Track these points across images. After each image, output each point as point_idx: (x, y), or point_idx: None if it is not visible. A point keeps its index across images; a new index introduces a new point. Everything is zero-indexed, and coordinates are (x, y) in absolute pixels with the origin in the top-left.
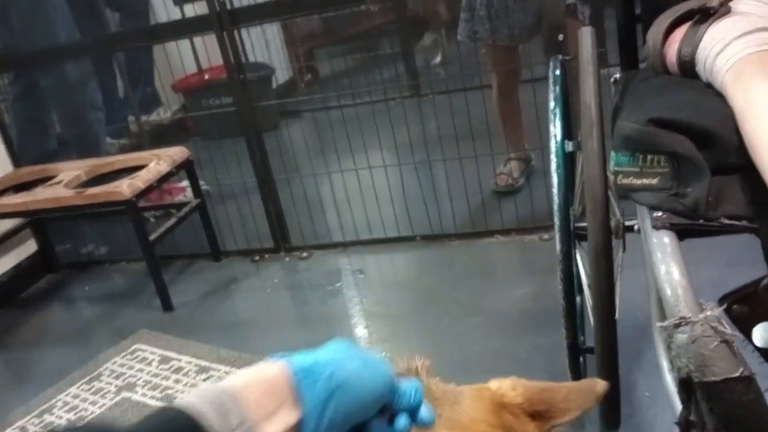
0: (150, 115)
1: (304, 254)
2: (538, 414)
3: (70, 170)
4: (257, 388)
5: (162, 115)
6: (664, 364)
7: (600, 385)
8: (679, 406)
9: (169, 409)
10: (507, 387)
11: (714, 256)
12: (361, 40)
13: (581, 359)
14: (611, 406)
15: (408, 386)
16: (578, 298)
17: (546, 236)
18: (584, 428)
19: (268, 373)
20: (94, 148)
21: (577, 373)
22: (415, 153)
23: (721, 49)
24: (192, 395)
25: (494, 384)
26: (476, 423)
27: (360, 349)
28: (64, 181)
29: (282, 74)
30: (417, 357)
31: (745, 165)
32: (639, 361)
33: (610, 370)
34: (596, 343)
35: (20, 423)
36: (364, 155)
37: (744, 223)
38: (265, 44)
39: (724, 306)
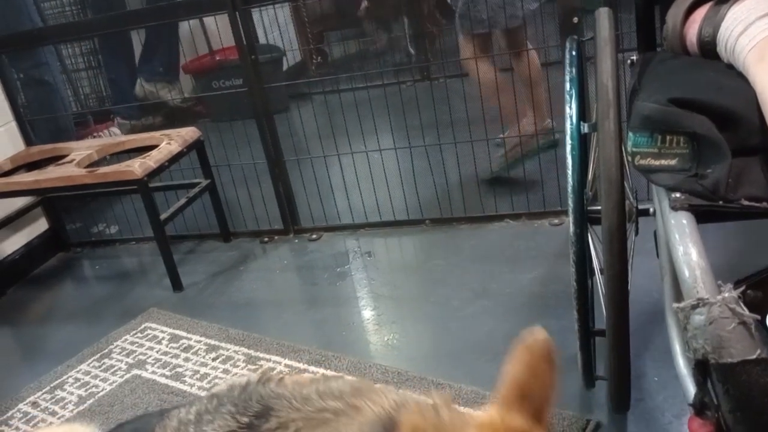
0: (159, 84)
1: (314, 236)
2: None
3: (82, 149)
4: None
5: (171, 94)
6: (677, 347)
7: (537, 340)
8: (691, 389)
9: None
10: (503, 415)
11: (728, 243)
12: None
13: (592, 342)
14: (621, 391)
15: None
16: (589, 282)
17: (556, 221)
18: (592, 412)
19: None
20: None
21: (588, 356)
22: (425, 136)
23: (743, 29)
24: None
25: (493, 413)
26: None
27: None
28: (76, 160)
29: (293, 56)
30: (437, 391)
31: (767, 146)
32: (648, 347)
33: (621, 352)
34: (608, 325)
35: (32, 398)
36: (374, 138)
37: (764, 204)
38: (276, 26)
39: (740, 290)
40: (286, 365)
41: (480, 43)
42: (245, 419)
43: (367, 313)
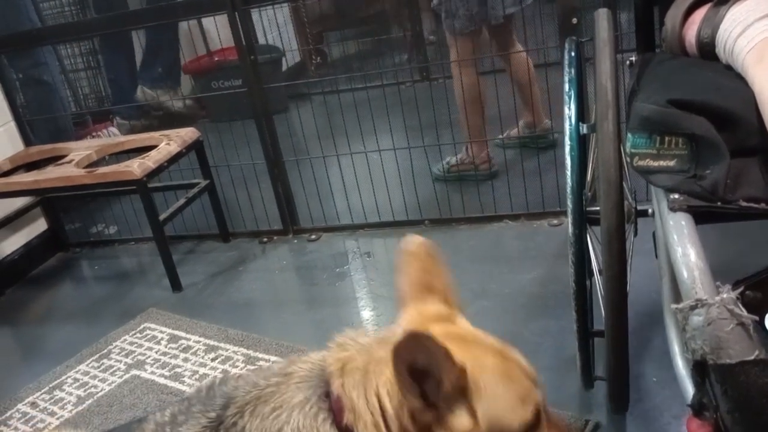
0: (160, 90)
1: (313, 236)
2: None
3: (81, 150)
4: None
5: (172, 98)
6: (676, 348)
7: (415, 243)
8: (690, 389)
9: None
10: (418, 309)
11: (726, 244)
12: (372, 24)
13: (591, 342)
14: (620, 391)
15: None
16: (588, 282)
17: (555, 222)
18: (591, 412)
19: None
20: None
21: (587, 356)
22: (424, 137)
23: (742, 31)
24: None
25: (408, 312)
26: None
27: None
28: (75, 161)
29: (292, 57)
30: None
31: (765, 147)
32: (647, 348)
33: (619, 353)
34: (606, 326)
35: (30, 398)
36: (373, 138)
37: (762, 206)
38: (275, 26)
39: (739, 291)
40: None
41: (464, 45)
42: (213, 414)
43: (366, 314)
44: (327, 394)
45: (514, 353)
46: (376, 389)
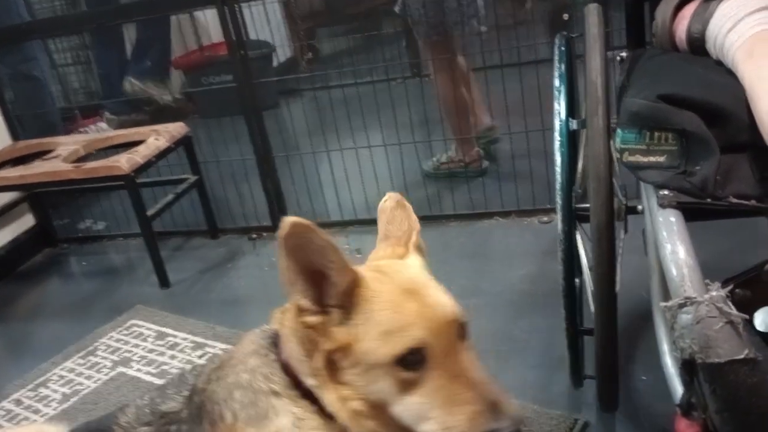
0: (148, 82)
1: None
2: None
3: (68, 144)
4: None
5: (160, 91)
6: (665, 346)
7: (389, 198)
8: (679, 388)
9: None
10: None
11: (716, 241)
12: (363, 19)
13: (580, 341)
14: (608, 390)
15: None
16: (577, 280)
17: (545, 219)
18: (580, 411)
19: None
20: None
21: (576, 355)
22: (415, 133)
23: (732, 26)
24: None
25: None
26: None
27: None
28: (62, 156)
29: (283, 52)
30: None
31: (755, 143)
32: (637, 346)
33: (609, 351)
34: (596, 324)
35: (15, 395)
36: (364, 134)
37: (753, 202)
38: (266, 21)
39: (728, 289)
40: None
41: (435, 49)
42: (186, 392)
43: None
44: (276, 342)
45: (426, 293)
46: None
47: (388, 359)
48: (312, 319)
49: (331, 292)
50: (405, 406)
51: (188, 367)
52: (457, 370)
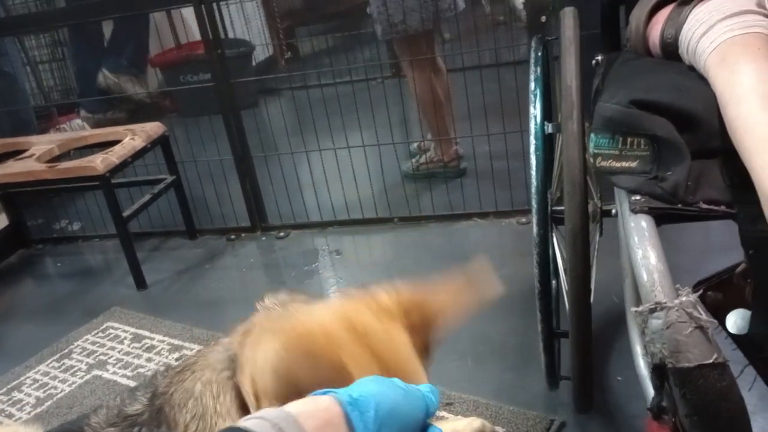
0: (122, 76)
1: (281, 234)
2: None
3: (42, 144)
4: (315, 416)
5: (135, 87)
6: (638, 349)
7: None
8: (651, 391)
9: (236, 429)
10: (380, 294)
11: (687, 244)
12: (343, 19)
13: (556, 343)
14: (584, 391)
15: (434, 398)
16: (554, 283)
17: (524, 220)
18: (556, 412)
19: (320, 404)
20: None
21: (552, 356)
22: (394, 134)
23: (705, 31)
24: (256, 416)
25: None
26: (308, 321)
27: (395, 380)
28: (36, 155)
29: (262, 51)
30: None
31: (726, 149)
32: (612, 347)
33: (584, 353)
34: (571, 326)
35: None
36: (343, 135)
37: (722, 208)
38: (244, 20)
39: (699, 292)
40: None
41: (414, 49)
42: (150, 394)
43: None
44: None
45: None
46: (254, 350)
47: None
48: None
49: None
50: None
51: (162, 368)
52: None
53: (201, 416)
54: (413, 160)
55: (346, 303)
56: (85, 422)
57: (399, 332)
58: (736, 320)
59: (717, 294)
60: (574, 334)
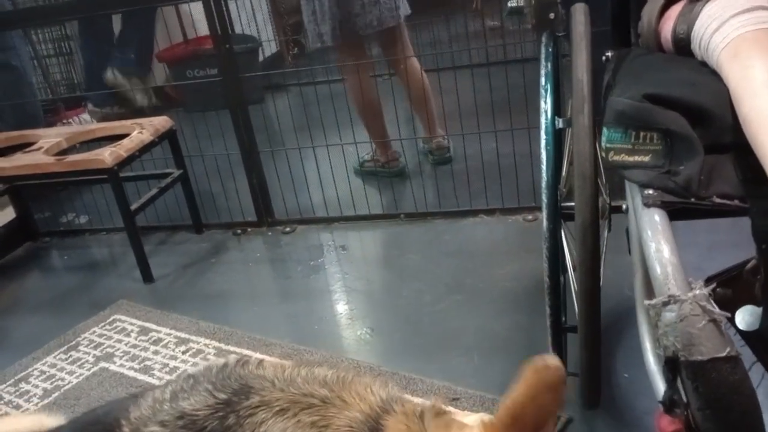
0: (130, 76)
1: (287, 229)
2: None
3: (50, 137)
4: None
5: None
6: (647, 344)
7: (548, 366)
8: (661, 386)
9: None
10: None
11: (695, 241)
12: None
13: (563, 338)
14: (591, 387)
15: None
16: (562, 278)
17: (530, 217)
18: (564, 407)
19: None
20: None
21: (559, 352)
22: (401, 130)
23: (717, 27)
24: None
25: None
26: None
27: None
28: (44, 148)
29: (269, 47)
30: (433, 396)
31: (739, 144)
32: (619, 343)
33: (592, 348)
34: (580, 321)
35: None
36: (350, 131)
37: (735, 202)
38: (252, 16)
39: (712, 286)
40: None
41: (346, 54)
42: (223, 396)
43: (340, 308)
44: None
45: None
46: None
47: None
48: None
49: None
50: None
51: (232, 358)
52: None
53: None
54: (359, 158)
55: None
56: (124, 414)
57: None
58: (745, 316)
59: (726, 290)
60: (582, 328)
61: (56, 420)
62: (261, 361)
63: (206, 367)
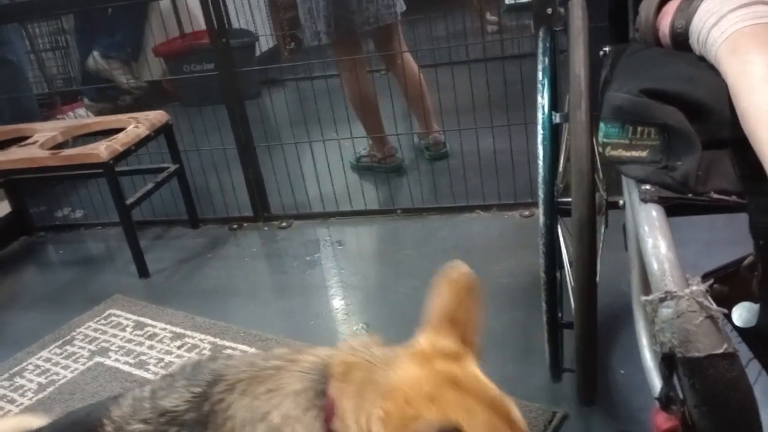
0: (113, 62)
1: (284, 224)
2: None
3: (46, 131)
4: None
5: (124, 74)
6: (644, 340)
7: (460, 273)
8: (657, 383)
9: None
10: (432, 341)
11: (691, 238)
12: None
13: (559, 334)
14: (587, 383)
15: None
16: (558, 274)
17: (526, 213)
18: (559, 404)
19: None
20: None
21: (555, 348)
22: (398, 125)
23: (715, 22)
24: None
25: (422, 340)
26: (409, 383)
27: None
28: (39, 142)
29: (265, 42)
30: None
31: (737, 139)
32: (615, 340)
33: (588, 344)
34: (576, 316)
35: None
36: (347, 126)
37: (733, 198)
38: (249, 10)
39: (709, 283)
40: None
41: (341, 50)
42: (198, 389)
43: (336, 303)
44: (323, 393)
45: (506, 404)
46: (368, 414)
47: None
48: None
49: None
50: None
51: (205, 354)
52: None
53: None
54: (356, 152)
55: (424, 356)
56: (106, 414)
57: (474, 367)
58: (742, 313)
59: (723, 287)
60: (578, 324)
61: (40, 420)
62: (230, 355)
63: (181, 366)
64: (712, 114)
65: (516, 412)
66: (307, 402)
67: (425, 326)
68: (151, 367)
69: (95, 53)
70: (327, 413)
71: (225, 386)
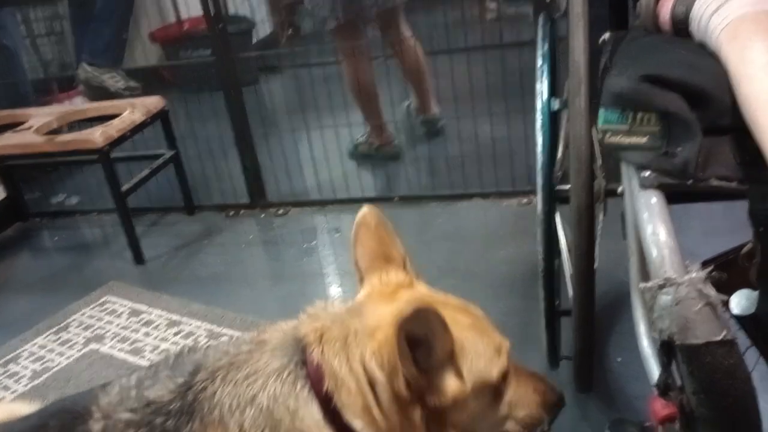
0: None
1: (281, 211)
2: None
3: (41, 116)
4: None
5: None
6: (642, 327)
7: (365, 214)
8: (655, 370)
9: None
10: (379, 279)
11: (690, 226)
12: None
13: (557, 322)
14: (584, 370)
15: None
16: (556, 262)
17: (524, 201)
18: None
19: None
20: None
21: (553, 335)
22: (395, 112)
23: (716, 8)
24: None
25: (372, 282)
26: (385, 317)
27: None
28: (34, 127)
29: (263, 28)
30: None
31: (737, 126)
32: (612, 328)
33: (586, 331)
34: (574, 303)
35: None
36: (344, 113)
37: (734, 184)
38: None
39: (708, 271)
40: None
41: (342, 37)
42: (181, 379)
43: (333, 290)
44: (304, 362)
45: (475, 308)
46: (361, 358)
47: (496, 378)
48: (421, 383)
49: (433, 354)
50: (492, 419)
51: (188, 343)
52: (516, 367)
53: (273, 427)
54: (353, 140)
55: (383, 293)
56: (94, 402)
57: (427, 287)
58: (740, 300)
59: (722, 274)
60: (576, 310)
61: (32, 407)
62: (209, 345)
63: (164, 357)
64: (712, 101)
65: (480, 311)
66: (292, 376)
67: (366, 271)
68: (146, 354)
69: (83, 63)
70: (314, 380)
71: (206, 375)
